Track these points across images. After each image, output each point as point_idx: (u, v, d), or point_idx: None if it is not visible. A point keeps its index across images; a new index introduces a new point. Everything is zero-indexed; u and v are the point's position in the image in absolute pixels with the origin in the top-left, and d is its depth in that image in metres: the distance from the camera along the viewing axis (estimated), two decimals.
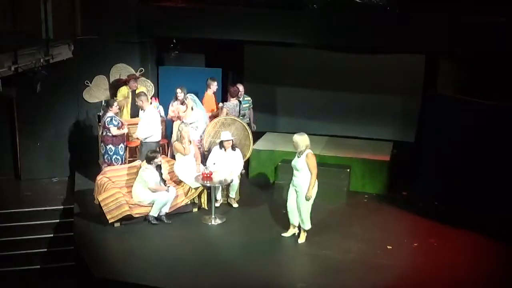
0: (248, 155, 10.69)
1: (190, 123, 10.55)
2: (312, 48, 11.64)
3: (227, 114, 10.99)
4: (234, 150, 10.04)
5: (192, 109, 10.82)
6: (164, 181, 9.56)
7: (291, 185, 8.93)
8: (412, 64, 11.92)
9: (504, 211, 9.14)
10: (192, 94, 10.91)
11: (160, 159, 9.51)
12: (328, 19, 10.68)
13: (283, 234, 9.11)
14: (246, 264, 8.42)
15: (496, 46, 9.81)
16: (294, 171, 8.80)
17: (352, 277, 8.05)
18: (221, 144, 9.97)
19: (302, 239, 8.96)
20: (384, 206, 10.38)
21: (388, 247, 8.86)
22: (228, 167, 9.89)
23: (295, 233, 9.08)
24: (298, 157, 8.76)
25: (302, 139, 8.68)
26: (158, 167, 9.50)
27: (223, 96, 12.06)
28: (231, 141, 10.01)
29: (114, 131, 10.28)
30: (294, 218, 9.01)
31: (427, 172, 10.18)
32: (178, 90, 11.03)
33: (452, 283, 7.97)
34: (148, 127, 10.31)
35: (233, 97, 11.24)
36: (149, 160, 9.42)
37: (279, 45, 11.77)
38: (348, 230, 9.33)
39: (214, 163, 9.89)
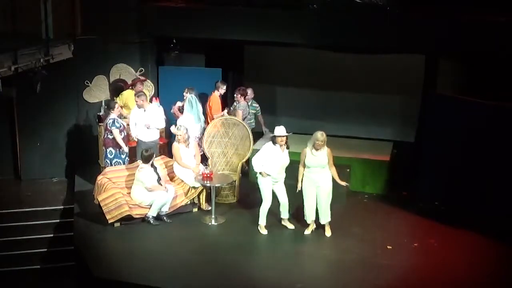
0: (248, 155, 10.68)
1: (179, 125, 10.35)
2: (312, 48, 11.62)
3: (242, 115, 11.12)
4: (288, 148, 9.01)
5: (182, 111, 10.76)
6: (159, 180, 9.49)
7: (308, 183, 8.95)
8: (412, 64, 11.91)
9: (504, 211, 9.14)
10: (193, 95, 10.83)
11: (154, 157, 9.49)
12: (328, 19, 10.68)
13: (305, 232, 9.18)
14: (246, 264, 8.43)
15: (496, 46, 9.82)
16: (313, 168, 8.84)
17: (352, 277, 8.05)
18: (274, 140, 8.91)
19: (328, 232, 9.11)
20: (384, 206, 10.38)
21: (388, 247, 8.86)
22: (279, 167, 8.96)
23: (313, 229, 9.22)
24: (315, 155, 8.77)
25: (325, 135, 8.77)
26: (153, 165, 9.47)
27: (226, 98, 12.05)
28: (286, 137, 8.91)
29: (116, 133, 10.16)
30: (313, 215, 9.09)
31: (427, 172, 10.16)
32: (185, 90, 10.97)
33: (452, 283, 7.97)
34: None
35: (244, 98, 11.30)
36: (147, 159, 9.38)
37: (279, 45, 11.76)
38: (348, 230, 9.33)
39: (262, 165, 8.90)
